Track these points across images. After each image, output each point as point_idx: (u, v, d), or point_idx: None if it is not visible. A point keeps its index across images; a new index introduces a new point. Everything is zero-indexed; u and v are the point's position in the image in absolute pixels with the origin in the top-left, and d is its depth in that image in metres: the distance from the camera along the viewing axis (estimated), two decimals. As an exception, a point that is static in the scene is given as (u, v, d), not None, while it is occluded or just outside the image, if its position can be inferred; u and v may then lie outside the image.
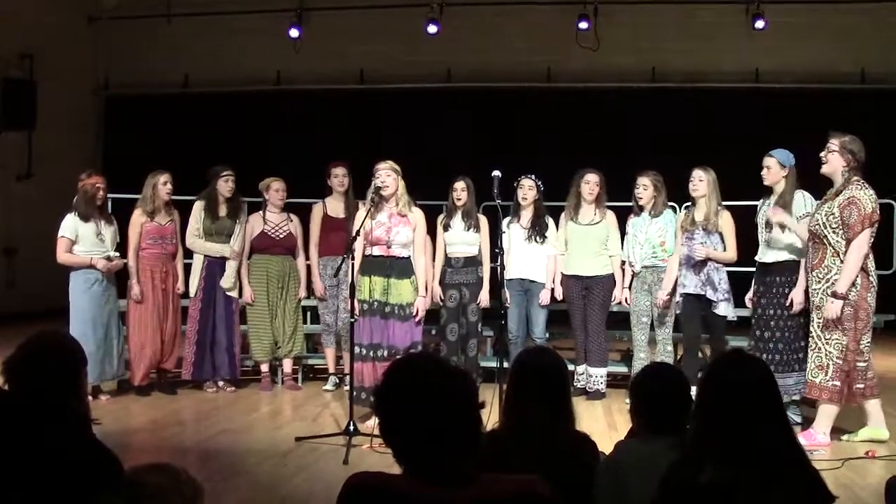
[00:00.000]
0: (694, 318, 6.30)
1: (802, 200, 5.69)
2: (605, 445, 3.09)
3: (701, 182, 6.24)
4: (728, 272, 6.34)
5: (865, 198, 5.05)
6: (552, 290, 6.86)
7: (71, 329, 6.25)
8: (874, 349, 8.05)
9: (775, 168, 5.77)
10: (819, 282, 5.21)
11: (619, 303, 6.82)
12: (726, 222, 6.23)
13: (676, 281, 6.38)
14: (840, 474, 4.62)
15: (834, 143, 5.22)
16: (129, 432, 5.71)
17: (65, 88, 12.29)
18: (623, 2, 11.92)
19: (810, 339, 5.30)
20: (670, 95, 11.74)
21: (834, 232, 5.12)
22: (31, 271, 11.03)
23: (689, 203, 6.64)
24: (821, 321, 5.19)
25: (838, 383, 5.12)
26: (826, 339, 5.16)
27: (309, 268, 7.24)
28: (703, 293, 6.17)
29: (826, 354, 5.16)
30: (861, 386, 5.15)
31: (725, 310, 6.19)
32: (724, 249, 6.22)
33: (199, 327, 6.93)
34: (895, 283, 7.46)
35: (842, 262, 5.09)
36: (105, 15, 13.09)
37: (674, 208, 6.84)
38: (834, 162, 5.22)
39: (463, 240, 6.79)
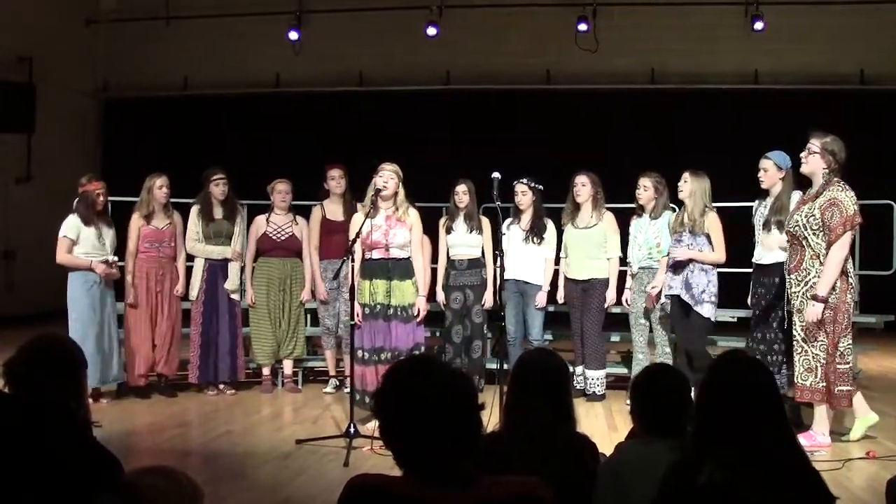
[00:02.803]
0: (681, 320, 6.28)
1: (800, 201, 5.67)
2: (606, 447, 3.09)
3: (685, 184, 6.21)
4: (723, 273, 6.31)
5: (847, 200, 4.98)
6: (548, 291, 6.87)
7: (70, 331, 6.20)
8: (875, 350, 8.14)
9: (772, 170, 5.76)
10: (798, 284, 5.17)
11: (611, 304, 6.78)
12: (712, 223, 6.15)
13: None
14: (840, 475, 4.62)
15: (815, 144, 5.15)
16: (129, 435, 5.71)
17: (64, 91, 12.31)
18: (622, 3, 11.95)
19: (794, 342, 5.25)
20: (669, 97, 11.75)
21: (814, 234, 5.06)
22: (31, 274, 11.05)
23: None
24: (803, 325, 5.15)
25: (826, 384, 5.11)
26: (812, 343, 5.13)
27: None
28: (679, 294, 6.15)
29: (813, 357, 5.12)
30: (845, 388, 5.13)
31: (710, 311, 6.09)
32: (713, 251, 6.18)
33: (202, 330, 6.93)
34: (895, 284, 7.48)
35: (821, 264, 5.04)
36: (104, 17, 13.11)
37: (673, 209, 6.84)
38: (814, 163, 5.16)
39: (465, 242, 6.80)
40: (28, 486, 2.24)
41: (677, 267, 6.17)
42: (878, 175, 8.77)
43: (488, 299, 6.82)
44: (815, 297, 5.00)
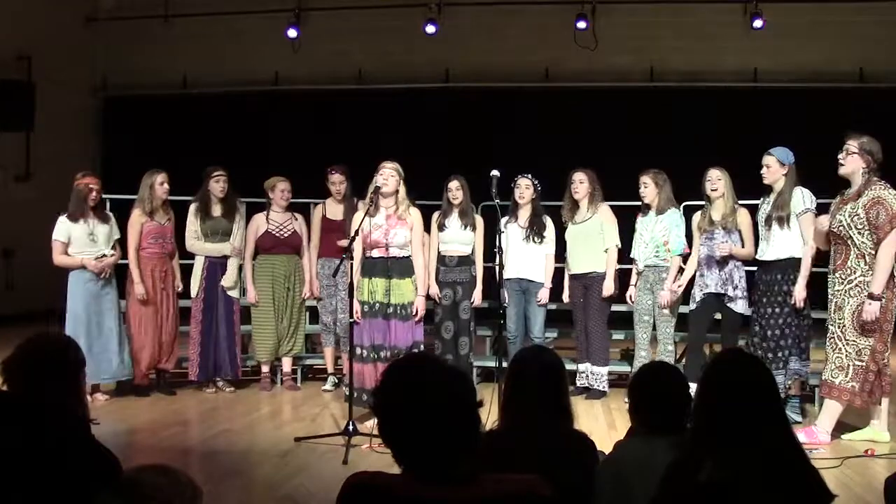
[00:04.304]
0: (706, 318, 6.30)
1: (801, 197, 5.70)
2: (605, 445, 3.09)
3: (719, 181, 6.24)
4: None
5: (891, 197, 5.02)
6: (550, 289, 6.86)
7: (66, 328, 6.26)
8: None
9: (775, 166, 5.77)
10: (842, 283, 5.18)
11: (608, 295, 6.75)
12: (744, 220, 6.22)
13: (693, 280, 6.39)
14: (840, 473, 4.62)
15: (853, 145, 5.18)
16: (128, 433, 5.70)
17: (63, 90, 12.29)
18: (621, 1, 11.94)
19: (828, 339, 5.28)
20: (669, 95, 11.74)
21: (859, 233, 5.08)
22: (30, 273, 11.02)
23: (690, 203, 6.63)
24: (842, 322, 5.16)
25: (856, 385, 5.11)
26: (847, 341, 5.14)
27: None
28: (723, 291, 6.17)
29: (847, 355, 5.14)
30: (884, 384, 5.16)
31: (743, 307, 6.17)
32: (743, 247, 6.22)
33: (202, 328, 6.92)
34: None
35: (866, 263, 5.07)
36: (103, 16, 13.09)
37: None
38: (853, 163, 5.18)
39: (458, 238, 6.78)
40: (27, 485, 2.24)
41: (714, 264, 6.19)
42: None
43: (477, 296, 6.81)
44: (871, 296, 5.02)
